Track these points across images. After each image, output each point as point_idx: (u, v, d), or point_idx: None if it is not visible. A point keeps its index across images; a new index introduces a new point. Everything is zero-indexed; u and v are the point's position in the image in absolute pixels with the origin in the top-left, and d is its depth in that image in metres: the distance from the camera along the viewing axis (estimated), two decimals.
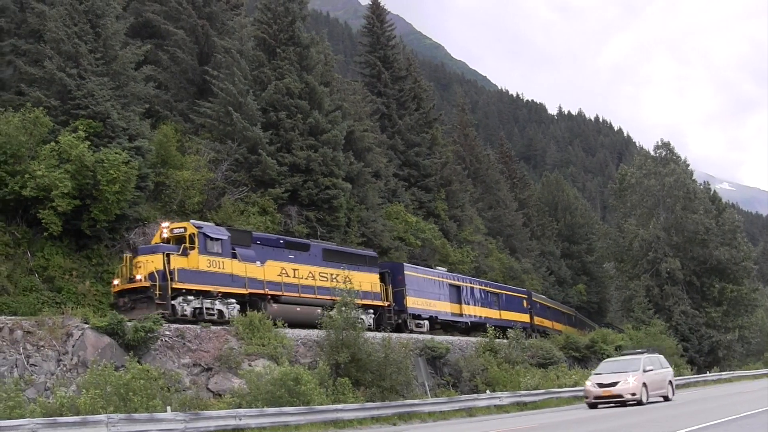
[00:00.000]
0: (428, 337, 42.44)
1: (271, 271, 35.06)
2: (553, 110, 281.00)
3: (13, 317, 25.06)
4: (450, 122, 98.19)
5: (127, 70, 39.13)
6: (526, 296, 62.01)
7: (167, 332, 28.72)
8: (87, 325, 26.15)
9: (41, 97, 35.37)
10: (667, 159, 77.54)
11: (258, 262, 34.50)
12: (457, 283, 50.90)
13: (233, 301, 33.38)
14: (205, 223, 35.26)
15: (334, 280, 37.47)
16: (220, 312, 32.72)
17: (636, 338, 59.13)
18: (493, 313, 54.40)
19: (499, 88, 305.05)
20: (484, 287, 55.13)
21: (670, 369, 37.71)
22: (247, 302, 33.79)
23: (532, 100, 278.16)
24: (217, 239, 33.01)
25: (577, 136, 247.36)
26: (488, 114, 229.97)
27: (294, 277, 36.09)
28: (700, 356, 67.45)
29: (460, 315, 50.35)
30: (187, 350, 29.06)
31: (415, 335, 41.64)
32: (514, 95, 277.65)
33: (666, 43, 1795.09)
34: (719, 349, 69.65)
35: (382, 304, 41.58)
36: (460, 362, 41.49)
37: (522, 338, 46.85)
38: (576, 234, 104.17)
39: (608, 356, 54.25)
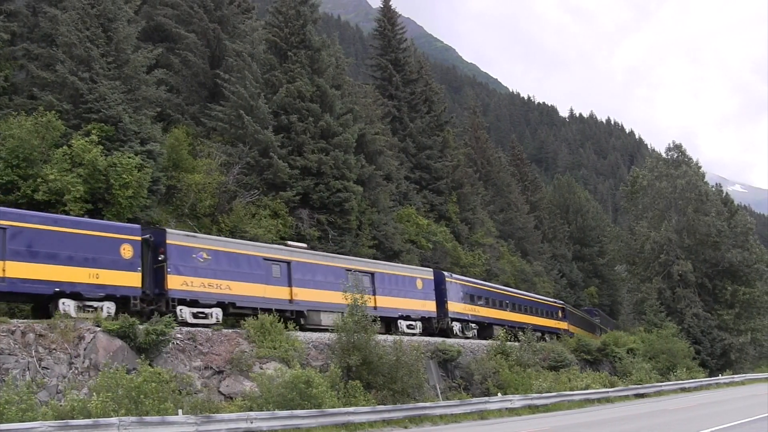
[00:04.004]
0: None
1: None
2: (564, 113, 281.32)
3: (25, 320, 25.10)
4: (461, 125, 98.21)
5: (139, 73, 39.29)
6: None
7: (179, 335, 28.73)
8: (99, 328, 26.15)
9: (53, 101, 35.52)
10: (679, 161, 77.54)
11: None
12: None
13: None
14: None
15: None
16: None
17: (648, 341, 58.97)
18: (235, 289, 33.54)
19: (511, 90, 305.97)
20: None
21: None
22: None
23: (544, 103, 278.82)
24: None
25: (588, 139, 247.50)
26: (500, 117, 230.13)
27: None
28: (712, 359, 67.14)
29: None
30: (199, 353, 29.05)
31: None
32: (526, 98, 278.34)
33: (681, 45, 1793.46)
34: (731, 351, 69.33)
35: None
36: (472, 365, 41.33)
37: (534, 341, 46.70)
38: (587, 236, 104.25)
39: (620, 359, 54.15)
